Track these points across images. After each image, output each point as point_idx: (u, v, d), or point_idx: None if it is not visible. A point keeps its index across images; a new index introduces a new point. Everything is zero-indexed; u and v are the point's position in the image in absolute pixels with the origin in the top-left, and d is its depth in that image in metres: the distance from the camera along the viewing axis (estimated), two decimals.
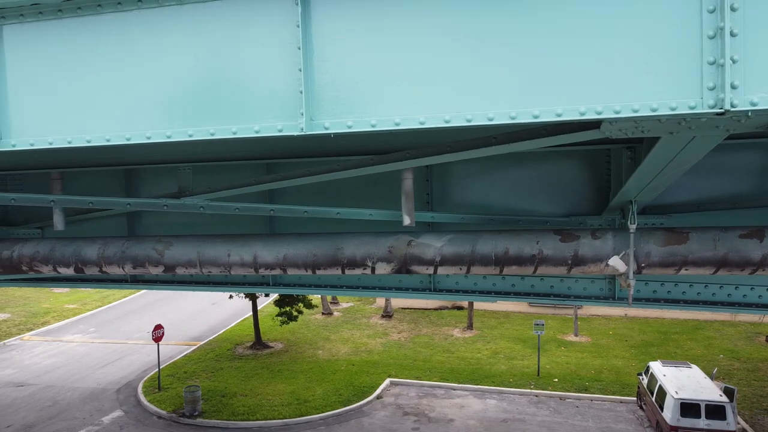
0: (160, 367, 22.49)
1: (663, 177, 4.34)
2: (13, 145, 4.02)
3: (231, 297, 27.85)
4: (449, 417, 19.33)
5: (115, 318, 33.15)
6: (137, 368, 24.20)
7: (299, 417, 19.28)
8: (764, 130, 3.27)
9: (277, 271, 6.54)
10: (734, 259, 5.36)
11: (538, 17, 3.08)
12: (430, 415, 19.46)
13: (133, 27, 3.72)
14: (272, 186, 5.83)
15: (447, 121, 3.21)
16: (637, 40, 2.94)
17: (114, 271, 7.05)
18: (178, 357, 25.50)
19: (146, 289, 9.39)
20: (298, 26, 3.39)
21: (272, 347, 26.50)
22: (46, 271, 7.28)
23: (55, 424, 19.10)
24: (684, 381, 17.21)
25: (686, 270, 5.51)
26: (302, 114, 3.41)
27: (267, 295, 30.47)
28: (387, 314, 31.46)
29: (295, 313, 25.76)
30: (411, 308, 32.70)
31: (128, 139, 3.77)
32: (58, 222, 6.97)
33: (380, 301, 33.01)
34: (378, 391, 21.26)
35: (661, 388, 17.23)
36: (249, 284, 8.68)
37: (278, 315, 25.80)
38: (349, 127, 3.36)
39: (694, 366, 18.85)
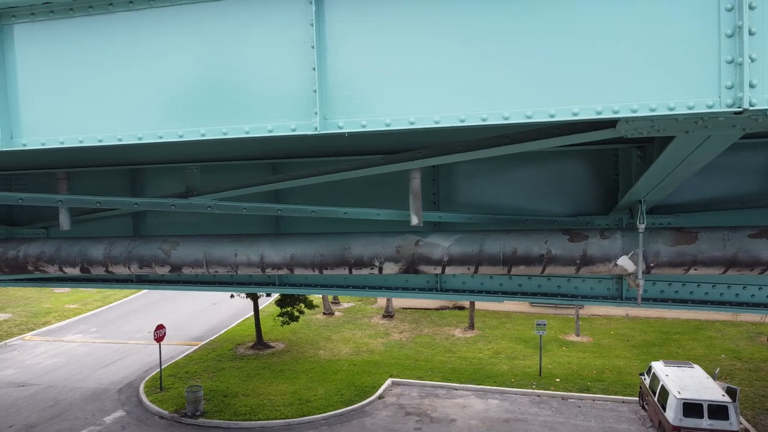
0: (162, 367, 22.48)
1: (674, 176, 4.33)
2: (24, 145, 4.01)
3: (232, 296, 27.83)
4: (451, 417, 19.32)
5: (116, 318, 33.14)
6: (138, 368, 24.19)
7: (301, 417, 19.28)
8: None
9: (284, 271, 6.53)
10: (744, 258, 5.35)
11: (553, 16, 3.06)
12: (432, 415, 19.46)
13: (145, 26, 3.71)
14: (281, 186, 5.82)
15: (462, 121, 3.20)
16: (654, 38, 2.92)
17: (120, 271, 7.03)
18: (180, 357, 25.48)
19: (151, 288, 9.39)
20: (312, 25, 3.37)
21: (274, 347, 26.49)
22: (52, 271, 7.26)
23: (57, 424, 19.08)
24: (686, 381, 17.20)
25: (695, 270, 5.50)
26: (316, 113, 3.40)
27: (268, 295, 30.45)
28: (388, 314, 31.46)
29: (296, 314, 25.75)
30: (412, 308, 32.69)
31: (140, 139, 3.76)
32: (64, 222, 6.96)
33: (381, 301, 33.00)
34: (380, 391, 21.25)
35: (663, 388, 17.22)
36: (255, 284, 8.66)
37: (279, 315, 25.79)
38: (363, 127, 3.35)
39: (696, 366, 18.85)
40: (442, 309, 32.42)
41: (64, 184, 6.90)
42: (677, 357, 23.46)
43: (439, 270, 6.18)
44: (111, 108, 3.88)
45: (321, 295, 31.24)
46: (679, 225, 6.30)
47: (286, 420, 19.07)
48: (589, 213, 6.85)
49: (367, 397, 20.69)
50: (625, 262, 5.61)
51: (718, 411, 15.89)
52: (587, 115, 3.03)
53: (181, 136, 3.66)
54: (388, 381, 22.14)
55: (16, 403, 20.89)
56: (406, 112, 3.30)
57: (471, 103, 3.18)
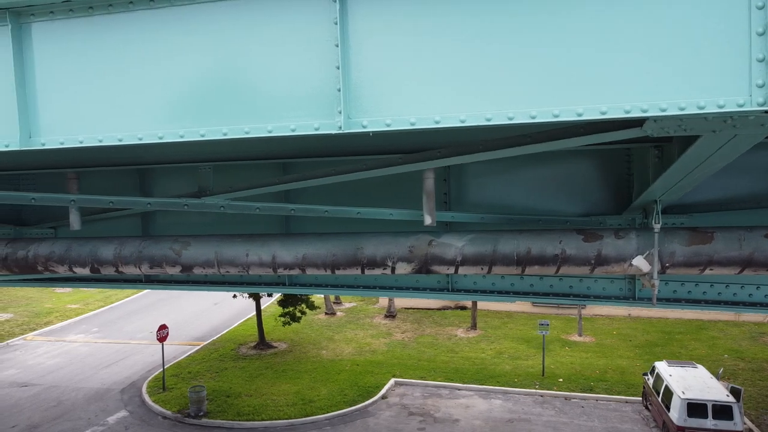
0: (165, 367, 22.45)
1: (694, 176, 4.31)
2: (43, 144, 3.98)
3: (235, 296, 27.78)
4: (455, 417, 19.30)
5: (117, 318, 33.11)
6: (141, 368, 24.16)
7: (305, 417, 19.26)
8: None
9: (296, 271, 6.51)
10: (760, 258, 5.33)
11: (580, 14, 3.04)
12: (435, 415, 19.44)
13: (166, 24, 3.68)
14: (296, 186, 5.80)
15: (488, 120, 3.18)
16: (684, 37, 2.90)
17: (130, 271, 7.01)
18: (182, 357, 25.45)
19: (160, 288, 9.36)
20: (335, 23, 3.35)
21: (276, 347, 26.47)
22: (62, 271, 7.24)
23: (60, 424, 19.05)
24: (690, 381, 17.20)
25: (711, 270, 5.48)
26: (340, 112, 3.38)
27: (270, 295, 30.42)
28: (390, 314, 31.44)
29: (298, 314, 25.73)
30: (414, 308, 32.67)
31: (161, 138, 3.73)
32: (75, 222, 6.92)
33: (383, 301, 32.97)
34: (383, 391, 21.23)
35: (667, 388, 17.22)
36: (264, 284, 8.64)
37: (281, 315, 25.77)
38: (388, 126, 3.33)
39: (699, 366, 18.84)
40: (444, 309, 32.40)
41: (74, 184, 6.86)
42: (680, 357, 23.45)
43: (452, 270, 6.16)
44: (130, 107, 3.85)
45: (324, 295, 31.23)
46: (692, 225, 6.28)
47: (290, 420, 19.05)
48: (600, 213, 6.83)
49: (371, 398, 20.67)
50: (640, 263, 5.59)
51: (722, 411, 15.88)
52: (615, 114, 3.01)
53: (202, 135, 3.64)
54: (391, 381, 22.12)
55: (18, 403, 20.86)
56: (431, 111, 3.28)
57: (497, 102, 3.16)
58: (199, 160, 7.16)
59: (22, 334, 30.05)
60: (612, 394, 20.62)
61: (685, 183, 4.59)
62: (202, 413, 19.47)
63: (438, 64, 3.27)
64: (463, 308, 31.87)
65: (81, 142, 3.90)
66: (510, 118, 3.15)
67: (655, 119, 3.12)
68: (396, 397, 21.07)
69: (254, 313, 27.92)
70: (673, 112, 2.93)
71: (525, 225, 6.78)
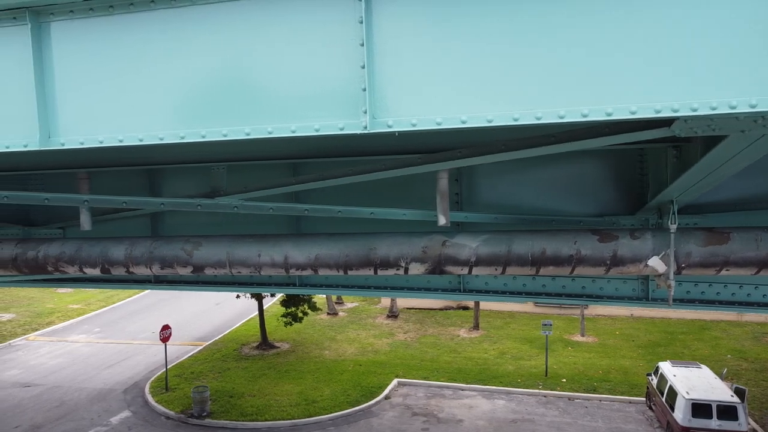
0: (167, 368, 22.41)
1: (716, 176, 4.29)
2: (62, 144, 3.96)
3: (238, 297, 27.77)
4: (458, 417, 19.29)
5: (119, 318, 33.07)
6: (143, 368, 24.13)
7: (308, 417, 19.24)
8: None
9: (308, 272, 6.48)
10: None
11: (609, 15, 3.02)
12: (439, 416, 19.42)
13: (189, 22, 3.65)
14: (313, 186, 5.77)
15: (515, 120, 3.16)
16: (715, 36, 2.88)
17: (141, 271, 6.98)
18: (185, 357, 25.42)
19: (170, 289, 9.34)
20: (361, 22, 3.33)
21: (278, 347, 26.44)
22: (72, 271, 7.20)
23: (64, 424, 19.02)
24: (695, 381, 17.18)
25: (727, 270, 5.46)
26: (365, 112, 3.35)
27: (272, 295, 30.39)
28: (392, 314, 31.41)
29: (300, 315, 25.70)
30: (416, 308, 32.65)
31: (182, 138, 3.70)
32: (85, 222, 6.90)
33: (385, 301, 32.94)
34: (386, 391, 21.21)
35: (671, 388, 17.20)
36: (275, 284, 8.61)
37: (283, 316, 25.74)
38: (414, 126, 3.31)
39: (703, 366, 18.83)
40: (446, 309, 32.37)
41: (85, 184, 6.84)
42: (683, 357, 23.44)
43: (465, 271, 6.13)
44: (150, 106, 3.83)
45: (326, 295, 31.19)
46: (706, 225, 6.26)
47: (293, 420, 19.03)
48: (613, 213, 6.80)
49: (374, 398, 20.65)
50: (656, 263, 5.56)
51: (727, 411, 15.87)
52: (645, 114, 2.99)
53: (224, 135, 3.61)
54: (394, 381, 22.10)
55: (21, 403, 20.82)
56: (457, 111, 3.26)
57: (526, 102, 3.14)
58: (210, 160, 7.12)
59: (25, 334, 30.01)
60: (615, 395, 20.61)
61: (705, 183, 4.57)
62: (205, 413, 19.44)
63: (464, 64, 3.25)
64: (466, 308, 31.86)
65: (101, 143, 3.88)
66: (538, 118, 3.12)
67: (686, 119, 3.09)
68: (399, 397, 21.05)
69: (256, 313, 27.91)
70: (704, 111, 2.91)
71: (538, 225, 6.76)
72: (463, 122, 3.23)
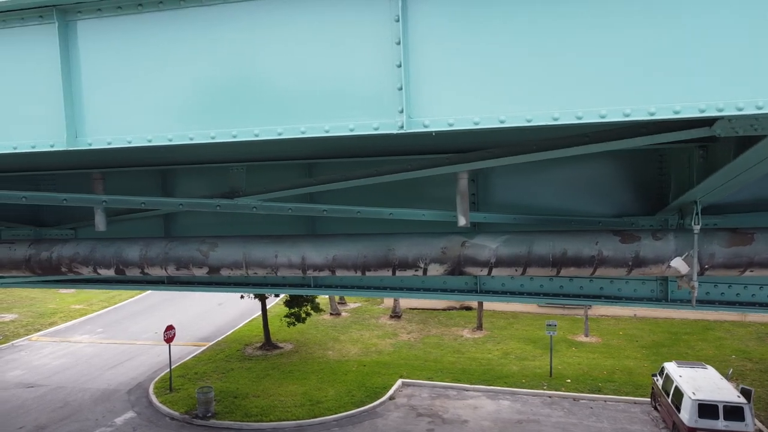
0: (171, 368, 22.36)
1: (746, 177, 4.25)
2: (89, 144, 3.91)
3: (242, 297, 27.71)
4: (463, 418, 19.25)
5: (122, 318, 33.00)
6: (147, 369, 24.07)
7: (313, 418, 19.19)
8: None
9: (325, 273, 6.44)
10: None
11: (653, 13, 2.98)
12: (444, 416, 19.38)
13: (220, 21, 3.61)
14: (336, 186, 5.72)
15: (555, 119, 3.12)
16: (761, 35, 2.84)
17: (156, 272, 6.93)
18: (188, 358, 25.37)
19: (183, 290, 9.29)
20: (397, 21, 3.29)
21: (282, 348, 26.39)
22: (86, 272, 7.15)
23: (68, 425, 18.96)
24: (701, 382, 17.16)
25: (751, 271, 5.42)
26: (401, 111, 3.31)
27: (277, 296, 30.34)
28: (396, 314, 31.36)
29: (303, 315, 25.64)
30: (419, 308, 32.60)
31: (213, 138, 3.66)
32: (100, 223, 6.85)
33: (388, 301, 32.88)
34: (390, 392, 21.17)
35: (677, 389, 17.18)
36: (289, 285, 8.56)
37: (286, 316, 25.68)
38: (451, 125, 3.26)
39: (709, 366, 18.81)
40: (449, 309, 32.32)
41: (99, 185, 6.78)
42: (687, 357, 23.42)
43: (485, 272, 6.09)
44: (179, 106, 3.78)
45: (327, 296, 31.14)
46: (727, 225, 6.22)
47: (298, 421, 18.98)
48: (633, 214, 6.77)
49: (378, 398, 20.60)
50: (678, 264, 5.53)
51: (733, 412, 15.85)
52: (689, 113, 2.95)
53: (256, 135, 3.57)
54: (399, 382, 22.06)
55: (25, 404, 20.76)
56: (495, 111, 3.21)
57: (567, 101, 3.10)
58: (228, 160, 7.07)
59: (27, 334, 29.93)
60: (620, 395, 20.58)
61: (734, 183, 4.53)
62: (210, 414, 19.39)
63: (502, 63, 3.21)
64: (468, 308, 31.80)
65: (129, 143, 3.83)
66: (578, 118, 3.08)
67: (729, 119, 3.06)
68: (404, 397, 21.00)
69: (259, 313, 27.85)
70: (750, 111, 2.87)
71: (557, 225, 6.72)
72: (502, 122, 3.19)
